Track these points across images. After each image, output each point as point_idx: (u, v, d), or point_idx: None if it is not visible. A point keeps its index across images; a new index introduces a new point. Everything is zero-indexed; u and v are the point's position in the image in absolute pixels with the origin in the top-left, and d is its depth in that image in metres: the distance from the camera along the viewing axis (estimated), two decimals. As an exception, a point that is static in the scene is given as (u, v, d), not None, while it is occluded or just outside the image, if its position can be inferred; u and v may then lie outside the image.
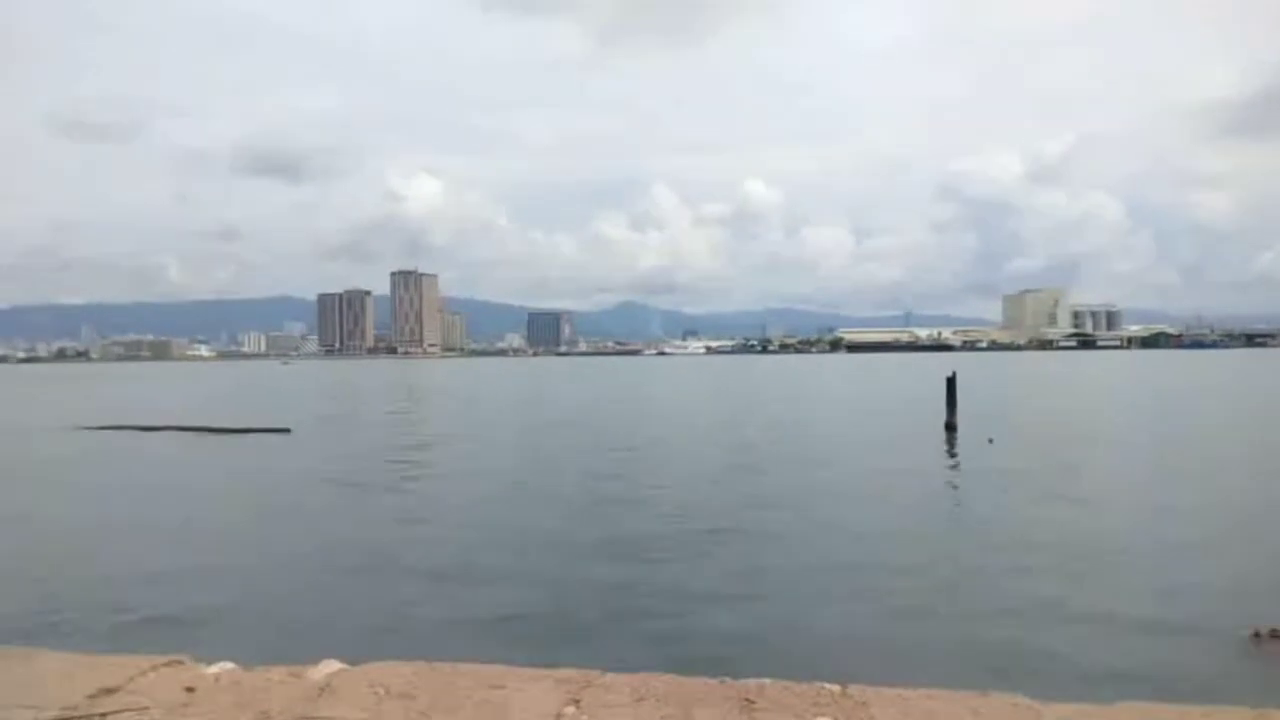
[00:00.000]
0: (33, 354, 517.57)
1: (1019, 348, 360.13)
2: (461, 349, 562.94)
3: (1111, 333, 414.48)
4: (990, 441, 31.86)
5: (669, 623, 11.74)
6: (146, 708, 3.90)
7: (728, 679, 3.87)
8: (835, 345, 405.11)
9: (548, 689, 3.92)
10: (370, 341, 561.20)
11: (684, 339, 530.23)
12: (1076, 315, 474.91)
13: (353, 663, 4.45)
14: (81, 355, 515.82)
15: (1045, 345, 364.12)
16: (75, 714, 3.85)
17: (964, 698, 3.48)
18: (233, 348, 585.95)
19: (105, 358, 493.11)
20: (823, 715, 3.42)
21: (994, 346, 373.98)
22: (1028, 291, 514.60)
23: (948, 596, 12.93)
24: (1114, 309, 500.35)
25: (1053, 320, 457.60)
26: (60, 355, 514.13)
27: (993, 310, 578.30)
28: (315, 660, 4.44)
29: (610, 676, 4.02)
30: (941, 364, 66.10)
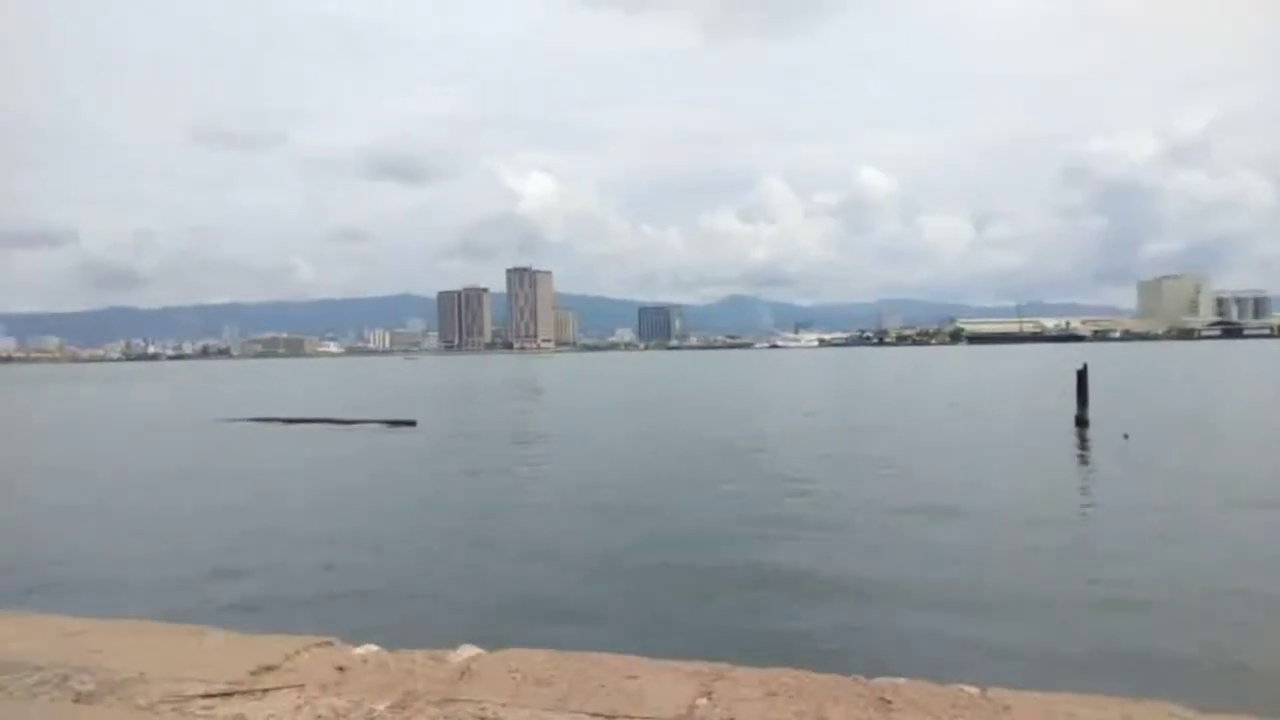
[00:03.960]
0: (179, 352, 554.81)
1: (1156, 337, 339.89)
2: (574, 344, 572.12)
3: (1260, 320, 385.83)
4: (1126, 438, 30.26)
5: (797, 618, 11.65)
6: (302, 685, 4.16)
7: (860, 677, 3.83)
8: (955, 337, 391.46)
9: (679, 680, 3.97)
10: (488, 337, 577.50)
11: (796, 331, 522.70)
12: (1220, 302, 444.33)
13: (488, 648, 4.61)
14: (223, 353, 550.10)
15: (1186, 335, 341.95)
16: (240, 688, 4.14)
17: (1114, 703, 3.34)
18: (359, 344, 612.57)
19: (245, 354, 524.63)
20: (962, 718, 3.34)
21: (1128, 336, 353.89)
22: (1165, 278, 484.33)
23: (1086, 601, 12.37)
24: (1263, 295, 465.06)
25: (1193, 308, 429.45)
26: (204, 353, 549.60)
27: (1126, 299, 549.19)
28: (454, 645, 4.63)
29: (741, 670, 4.04)
30: (1071, 355, 63.04)
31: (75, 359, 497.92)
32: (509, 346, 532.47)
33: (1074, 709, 3.33)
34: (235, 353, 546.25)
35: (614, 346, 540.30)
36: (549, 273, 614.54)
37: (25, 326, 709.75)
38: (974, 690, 3.56)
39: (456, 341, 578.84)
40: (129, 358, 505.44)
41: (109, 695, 3.99)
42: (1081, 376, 35.34)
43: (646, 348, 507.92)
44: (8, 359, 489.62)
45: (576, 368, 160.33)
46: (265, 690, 4.07)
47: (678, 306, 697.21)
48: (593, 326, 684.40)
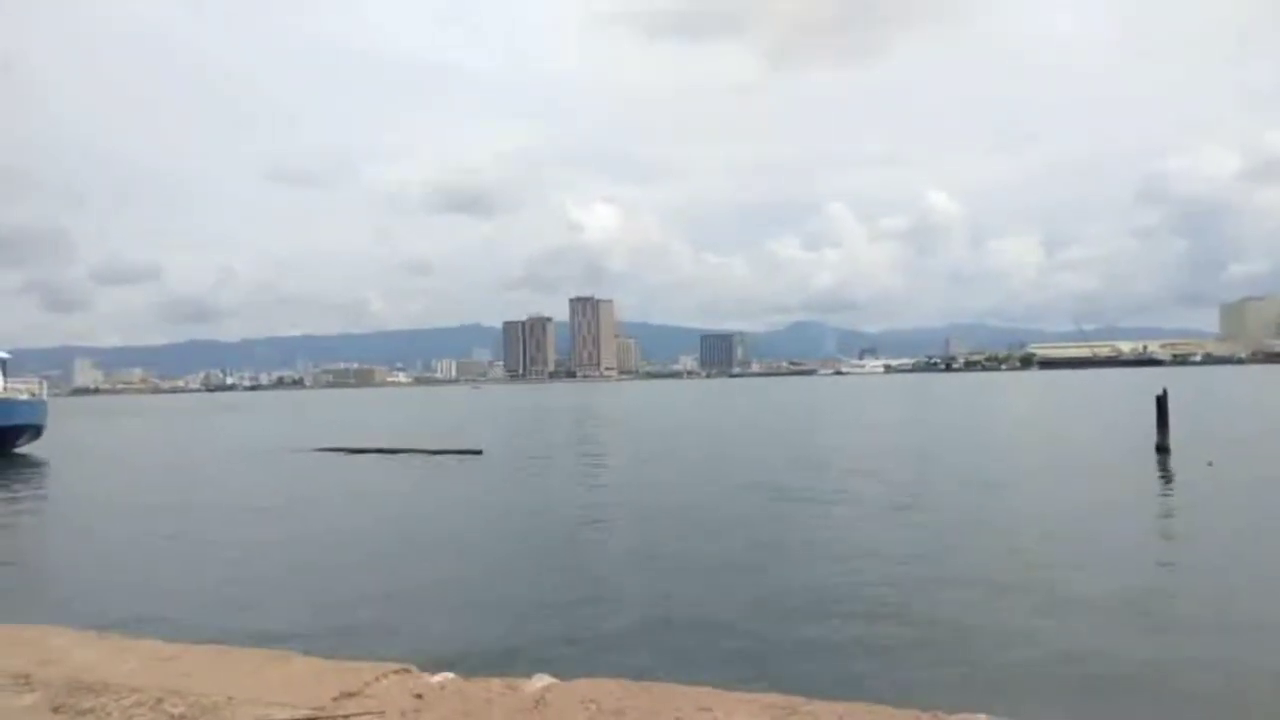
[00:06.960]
0: (256, 382, 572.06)
1: (1240, 361, 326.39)
2: (636, 371, 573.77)
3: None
4: (1210, 464, 29.13)
5: (870, 654, 11.45)
6: (382, 712, 4.25)
7: (940, 712, 3.77)
8: (1027, 362, 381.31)
9: (753, 712, 3.96)
10: (551, 366, 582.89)
11: (861, 358, 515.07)
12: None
13: (562, 677, 4.66)
14: (297, 383, 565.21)
15: (1272, 358, 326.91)
16: (323, 713, 4.26)
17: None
18: (427, 374, 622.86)
19: (317, 385, 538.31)
20: (1046, 756, 3.27)
21: (1210, 360, 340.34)
22: (1249, 299, 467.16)
23: (1173, 642, 11.92)
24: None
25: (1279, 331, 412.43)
26: (279, 383, 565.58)
27: (1207, 321, 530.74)
28: (529, 674, 4.69)
29: (815, 704, 4.01)
30: (1149, 380, 61.01)
31: (157, 390, 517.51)
32: (572, 375, 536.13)
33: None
34: (308, 383, 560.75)
35: (676, 374, 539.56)
36: (610, 301, 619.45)
37: (112, 359, 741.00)
38: (1058, 728, 3.47)
39: (521, 370, 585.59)
40: (208, 388, 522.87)
41: (200, 718, 4.15)
42: (1161, 402, 34.21)
43: (709, 375, 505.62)
44: (95, 390, 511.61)
45: (638, 395, 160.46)
46: (347, 716, 4.19)
47: (741, 334, 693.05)
48: (656, 354, 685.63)
